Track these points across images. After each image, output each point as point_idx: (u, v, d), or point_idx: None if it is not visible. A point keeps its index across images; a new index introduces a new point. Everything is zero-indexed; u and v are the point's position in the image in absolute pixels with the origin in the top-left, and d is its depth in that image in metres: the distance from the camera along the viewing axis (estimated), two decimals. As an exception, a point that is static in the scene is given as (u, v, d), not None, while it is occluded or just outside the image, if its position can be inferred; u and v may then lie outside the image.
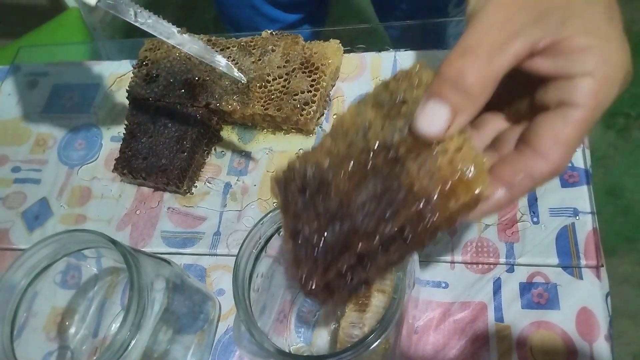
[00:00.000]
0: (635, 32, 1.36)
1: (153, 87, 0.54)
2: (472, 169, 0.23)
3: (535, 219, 0.44)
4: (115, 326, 0.45)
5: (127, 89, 0.55)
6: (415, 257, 0.37)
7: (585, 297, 0.41)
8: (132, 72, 0.56)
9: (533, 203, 0.45)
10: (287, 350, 0.32)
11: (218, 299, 0.46)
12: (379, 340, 0.32)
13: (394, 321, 0.32)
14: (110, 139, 0.57)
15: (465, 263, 0.44)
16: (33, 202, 0.54)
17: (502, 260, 0.43)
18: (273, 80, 0.52)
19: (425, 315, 0.42)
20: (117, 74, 0.61)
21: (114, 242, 0.35)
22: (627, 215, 1.14)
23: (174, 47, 0.56)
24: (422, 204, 0.23)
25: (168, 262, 0.39)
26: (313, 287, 0.25)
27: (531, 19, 0.24)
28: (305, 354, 0.35)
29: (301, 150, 0.52)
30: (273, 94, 0.51)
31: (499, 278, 0.43)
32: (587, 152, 0.47)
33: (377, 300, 0.33)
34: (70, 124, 0.59)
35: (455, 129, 0.24)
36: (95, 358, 0.36)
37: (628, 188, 1.17)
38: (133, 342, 0.33)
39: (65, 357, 0.43)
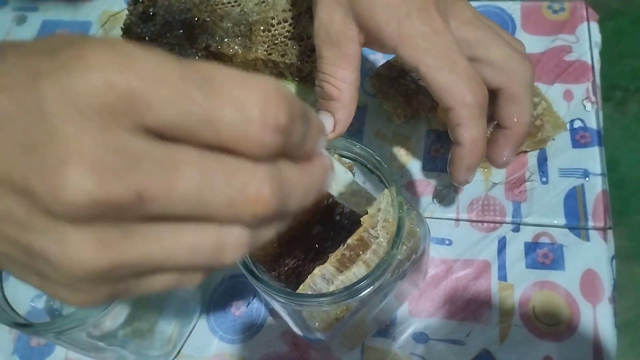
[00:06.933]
0: (636, 5, 1.34)
1: (149, 26, 0.51)
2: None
3: (544, 179, 0.43)
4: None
5: (122, 27, 0.52)
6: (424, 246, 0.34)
7: (591, 258, 0.40)
8: (127, 10, 0.53)
9: (543, 163, 0.44)
10: None
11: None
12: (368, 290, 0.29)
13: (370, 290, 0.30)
14: (103, 81, 0.54)
15: (471, 221, 0.43)
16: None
17: (508, 219, 0.42)
18: (277, 24, 0.49)
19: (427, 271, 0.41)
20: (111, 12, 0.57)
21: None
22: (620, 189, 1.14)
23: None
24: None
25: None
26: None
27: None
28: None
29: (304, 101, 0.50)
30: (277, 39, 0.49)
31: (504, 237, 0.42)
32: (600, 113, 0.45)
33: (358, 270, 0.31)
34: (60, 63, 0.56)
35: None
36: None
37: (622, 162, 1.17)
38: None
39: (56, 301, 0.42)
